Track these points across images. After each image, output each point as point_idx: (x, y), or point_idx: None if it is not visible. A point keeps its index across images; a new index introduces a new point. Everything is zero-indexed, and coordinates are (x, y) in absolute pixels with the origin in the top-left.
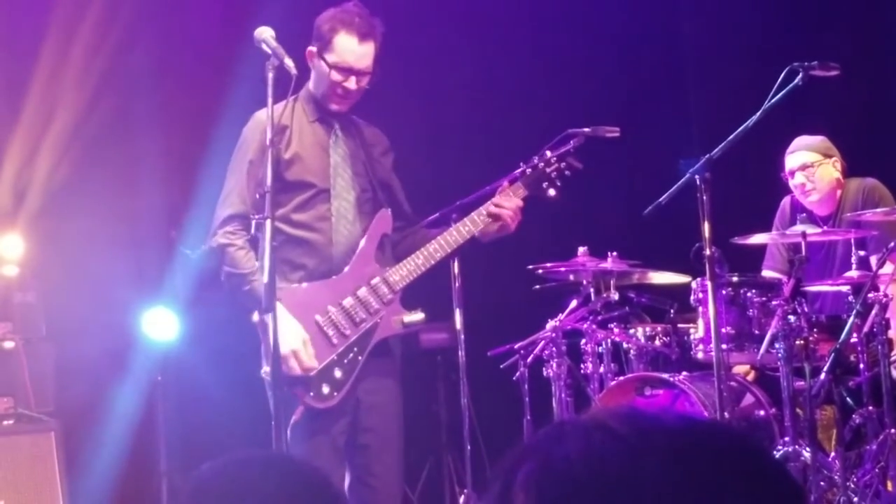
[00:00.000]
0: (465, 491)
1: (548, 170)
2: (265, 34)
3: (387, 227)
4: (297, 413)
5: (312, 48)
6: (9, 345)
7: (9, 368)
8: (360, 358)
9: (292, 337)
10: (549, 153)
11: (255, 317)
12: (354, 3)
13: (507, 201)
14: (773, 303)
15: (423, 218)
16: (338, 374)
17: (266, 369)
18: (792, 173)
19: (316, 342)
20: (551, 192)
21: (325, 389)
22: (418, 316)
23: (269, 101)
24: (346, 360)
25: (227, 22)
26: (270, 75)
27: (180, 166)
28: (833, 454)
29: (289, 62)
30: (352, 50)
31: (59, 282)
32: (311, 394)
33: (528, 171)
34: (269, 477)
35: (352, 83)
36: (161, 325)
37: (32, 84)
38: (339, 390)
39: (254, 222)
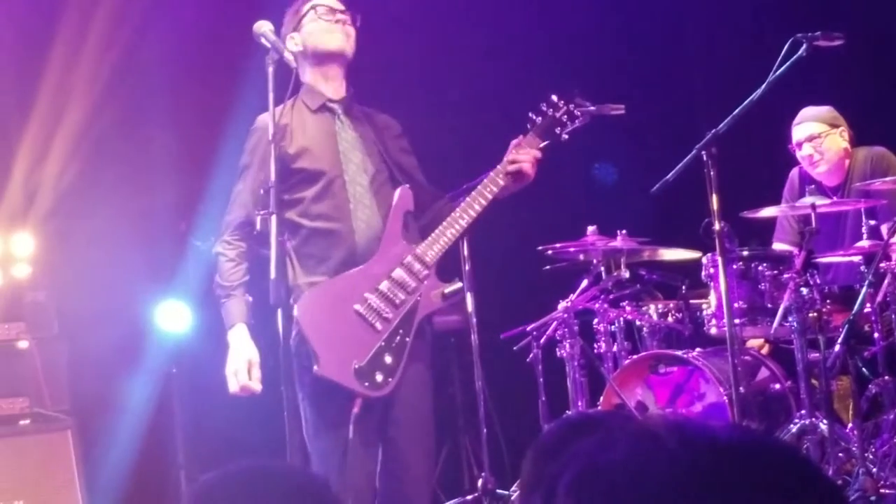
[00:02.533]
0: (483, 474)
1: (557, 114)
2: (264, 28)
3: (409, 203)
4: (356, 405)
5: (290, 35)
6: (22, 344)
7: (23, 368)
8: (407, 339)
9: (242, 354)
10: (555, 97)
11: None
12: None
13: (522, 154)
14: (785, 276)
15: (442, 194)
16: (388, 359)
17: (316, 368)
18: (799, 145)
19: (360, 331)
20: (564, 136)
21: (379, 377)
22: (457, 285)
23: (270, 95)
24: (394, 344)
25: (237, 17)
26: (270, 69)
27: (191, 161)
28: (850, 425)
29: (288, 56)
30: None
31: (70, 279)
32: (366, 384)
33: (539, 119)
34: (271, 487)
35: (338, 14)
36: (174, 318)
37: (43, 82)
38: (393, 375)
39: (258, 218)
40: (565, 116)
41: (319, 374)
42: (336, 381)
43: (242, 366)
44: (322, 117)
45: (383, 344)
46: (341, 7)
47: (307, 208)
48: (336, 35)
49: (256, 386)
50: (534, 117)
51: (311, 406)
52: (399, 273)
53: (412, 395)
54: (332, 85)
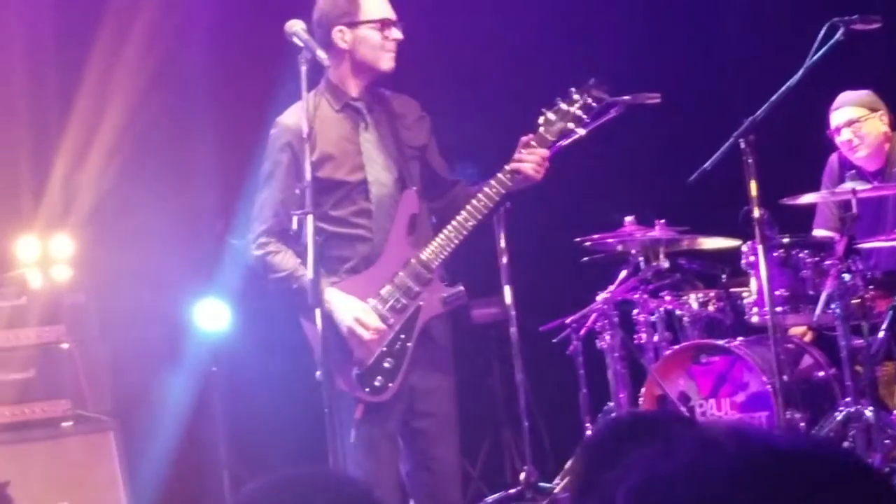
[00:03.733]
0: (526, 467)
1: (572, 109)
2: (296, 27)
3: (413, 206)
4: (358, 411)
5: (340, 27)
6: (63, 347)
7: (64, 370)
8: (408, 344)
9: (350, 306)
10: (572, 90)
11: (305, 324)
12: None
13: (528, 154)
14: (827, 262)
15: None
16: (388, 364)
17: (317, 374)
18: (838, 130)
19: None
20: (580, 130)
21: (378, 382)
22: (457, 290)
23: (304, 94)
24: (395, 349)
25: (277, 17)
26: (303, 68)
27: (228, 160)
28: None
29: (321, 54)
30: (381, 2)
31: (109, 280)
32: (367, 389)
33: (551, 115)
34: (316, 497)
35: (398, 33)
36: (213, 316)
37: (82, 83)
38: (393, 380)
39: (295, 218)
40: (580, 110)
41: (320, 380)
42: (337, 386)
43: (362, 313)
44: (345, 118)
45: (385, 349)
46: (394, 17)
47: (328, 212)
48: (389, 56)
49: (383, 326)
50: (546, 112)
51: (337, 407)
52: (401, 277)
53: (437, 386)
54: (353, 81)
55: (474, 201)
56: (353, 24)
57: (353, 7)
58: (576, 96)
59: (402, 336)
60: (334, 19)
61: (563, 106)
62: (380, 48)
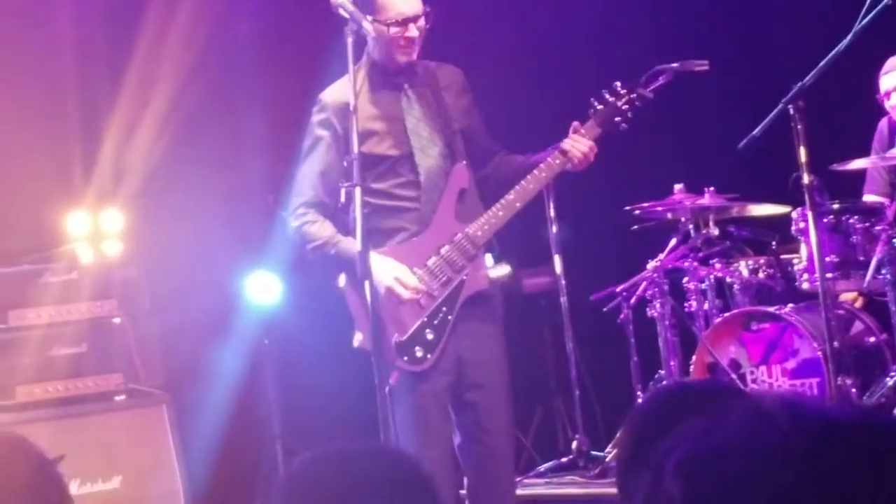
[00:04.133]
0: (577, 436)
1: (619, 103)
2: None
3: (464, 180)
4: (392, 378)
5: (368, 16)
6: (115, 321)
7: (116, 345)
8: (449, 317)
9: (389, 267)
10: (618, 84)
11: (342, 281)
12: None
13: (578, 142)
14: (877, 227)
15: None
16: (429, 335)
17: (358, 336)
18: (888, 94)
19: (405, 306)
20: (623, 125)
21: (419, 353)
22: (504, 270)
23: (350, 66)
24: (436, 321)
25: None
26: (350, 40)
27: (278, 134)
28: None
29: (367, 26)
30: (398, 1)
31: (160, 255)
32: (405, 358)
33: (600, 107)
34: (365, 471)
35: (412, 31)
36: (264, 289)
37: (132, 58)
38: (432, 352)
39: (343, 191)
40: (626, 106)
41: (359, 347)
42: (375, 354)
43: (401, 273)
44: (388, 93)
45: (426, 320)
46: (413, 13)
47: (370, 186)
48: (403, 52)
49: (422, 286)
50: (595, 104)
51: (385, 376)
52: (448, 250)
53: (487, 358)
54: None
55: (524, 182)
56: (373, 19)
57: (371, 1)
58: (623, 91)
59: (444, 309)
60: (363, 9)
61: (611, 99)
62: (393, 45)
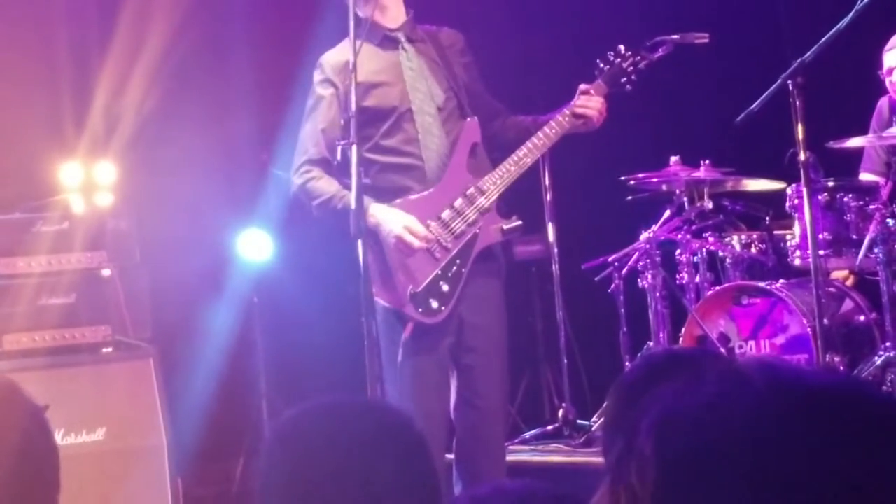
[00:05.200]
0: (564, 404)
1: (624, 65)
2: None
3: (475, 135)
4: (407, 330)
5: None
6: (105, 273)
7: (105, 296)
8: (463, 270)
9: (398, 217)
10: (622, 47)
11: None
12: None
13: (590, 100)
14: (871, 206)
15: (515, 109)
16: (444, 287)
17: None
18: (890, 71)
19: (419, 258)
20: (628, 87)
21: (434, 304)
22: (516, 223)
23: (351, 24)
24: (450, 273)
25: None
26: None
27: (271, 89)
28: None
29: None
30: None
31: (152, 208)
32: (420, 309)
33: (606, 67)
34: (353, 423)
35: None
36: (256, 246)
37: (122, 9)
38: (447, 304)
39: (339, 148)
40: (630, 67)
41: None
42: (390, 305)
43: (411, 222)
44: (385, 50)
45: (440, 272)
46: None
47: (377, 143)
48: None
49: (431, 234)
50: (600, 64)
51: (384, 334)
52: (461, 204)
53: (487, 322)
54: (390, 14)
55: (534, 139)
56: None
57: None
58: (627, 53)
59: (458, 261)
60: None
61: (616, 60)
62: None
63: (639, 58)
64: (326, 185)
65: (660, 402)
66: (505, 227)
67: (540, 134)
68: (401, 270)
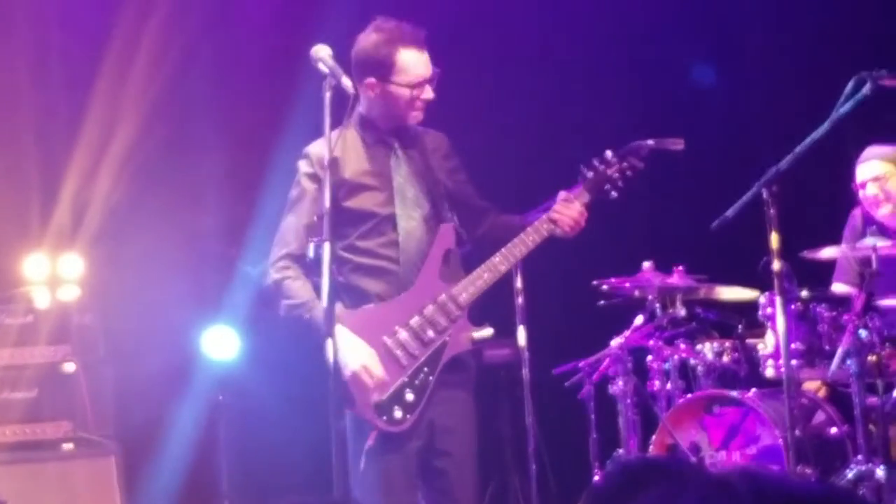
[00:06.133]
0: None
1: (609, 171)
2: (322, 53)
3: (450, 241)
4: (371, 438)
5: (372, 79)
6: (68, 368)
7: (68, 391)
8: (430, 378)
9: (359, 352)
10: (609, 153)
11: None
12: (383, 18)
13: (568, 208)
14: (844, 318)
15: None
16: (409, 396)
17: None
18: (863, 184)
19: (385, 364)
20: (613, 193)
21: (398, 413)
22: (487, 332)
23: (327, 121)
24: (416, 381)
25: (285, 40)
26: (327, 95)
27: (239, 184)
28: None
29: (346, 82)
30: (420, 62)
31: (117, 302)
32: (384, 418)
33: (590, 174)
34: None
35: (428, 93)
36: (222, 344)
37: (91, 102)
38: (412, 412)
39: (312, 245)
40: (617, 174)
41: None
42: (354, 413)
43: (368, 359)
44: (378, 151)
45: (406, 380)
46: (430, 73)
47: (353, 243)
48: (416, 114)
49: (385, 375)
50: (585, 171)
51: (352, 435)
52: (431, 311)
53: (459, 426)
54: (384, 118)
55: (511, 246)
56: (385, 80)
57: (390, 63)
58: (613, 159)
59: (426, 369)
60: (369, 68)
61: (601, 167)
62: (409, 107)
63: (625, 164)
64: (300, 290)
65: None
66: (475, 335)
67: (516, 241)
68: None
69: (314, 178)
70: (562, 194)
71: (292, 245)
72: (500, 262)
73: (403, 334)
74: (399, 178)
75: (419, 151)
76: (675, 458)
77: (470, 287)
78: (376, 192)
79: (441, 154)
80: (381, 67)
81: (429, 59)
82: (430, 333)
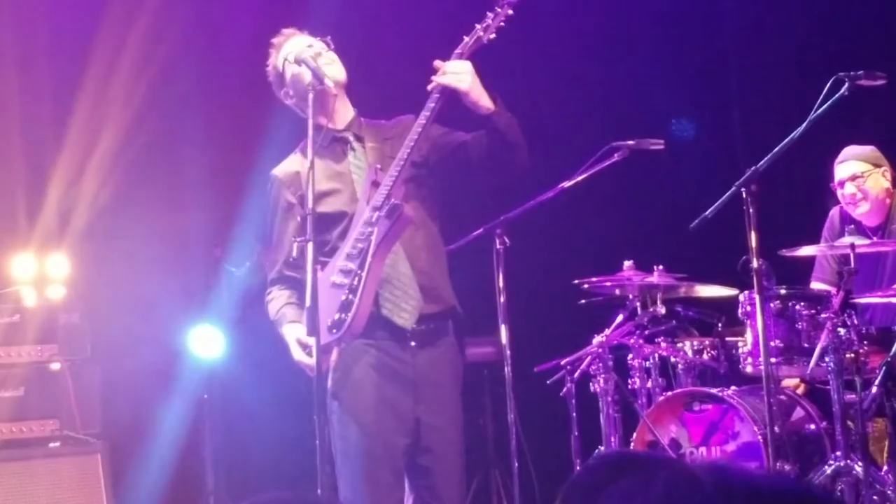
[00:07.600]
0: None
1: (482, 25)
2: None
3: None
4: (334, 354)
5: (282, 92)
6: (55, 367)
7: (54, 390)
8: (360, 273)
9: (293, 334)
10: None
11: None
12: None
13: (448, 68)
14: (823, 315)
15: (467, 226)
16: (346, 297)
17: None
18: (842, 183)
19: (333, 295)
20: (490, 36)
21: (338, 316)
22: (392, 203)
23: (310, 121)
24: (353, 284)
25: (271, 42)
26: (311, 96)
27: (224, 185)
28: (885, 468)
29: (329, 83)
30: (292, 43)
31: (104, 301)
32: (334, 331)
33: (466, 38)
34: None
35: (318, 45)
36: (207, 343)
37: (77, 105)
38: (347, 311)
39: (295, 245)
40: (490, 19)
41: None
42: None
43: (300, 334)
44: (332, 151)
45: (347, 292)
46: (310, 41)
47: (334, 246)
48: (328, 66)
49: (309, 361)
50: (465, 38)
51: (336, 432)
52: (359, 230)
53: (445, 423)
54: (339, 116)
55: (410, 133)
56: (282, 77)
57: (276, 72)
58: (489, 16)
59: (359, 272)
60: (275, 85)
61: (479, 34)
62: (312, 80)
63: (500, 8)
64: (272, 308)
65: (611, 500)
66: (385, 215)
67: (414, 125)
68: (323, 313)
69: (279, 198)
70: (436, 64)
71: (271, 270)
72: (403, 152)
73: (342, 262)
74: (358, 172)
75: (378, 136)
76: (652, 453)
77: (383, 187)
78: (340, 195)
79: (401, 128)
80: (280, 78)
81: (308, 36)
82: (361, 244)
